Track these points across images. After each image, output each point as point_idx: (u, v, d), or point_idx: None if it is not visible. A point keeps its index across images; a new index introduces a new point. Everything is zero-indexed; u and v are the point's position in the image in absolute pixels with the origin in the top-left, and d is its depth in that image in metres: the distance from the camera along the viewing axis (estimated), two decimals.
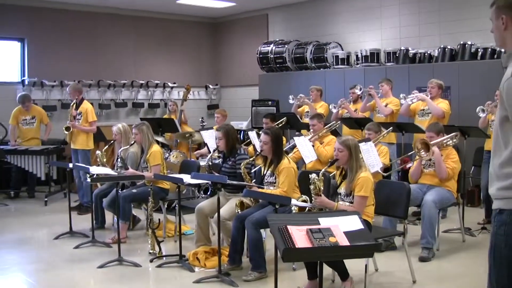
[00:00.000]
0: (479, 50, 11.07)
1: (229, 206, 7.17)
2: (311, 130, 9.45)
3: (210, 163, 7.89)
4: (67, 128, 10.50)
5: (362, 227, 3.90)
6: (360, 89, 11.07)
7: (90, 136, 10.73)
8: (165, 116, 13.44)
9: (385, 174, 8.35)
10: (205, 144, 10.65)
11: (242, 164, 7.17)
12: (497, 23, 3.32)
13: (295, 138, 9.25)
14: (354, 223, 3.92)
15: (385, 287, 6.49)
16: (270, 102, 14.45)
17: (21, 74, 14.34)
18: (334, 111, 11.18)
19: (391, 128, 9.46)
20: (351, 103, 11.26)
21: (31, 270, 7.29)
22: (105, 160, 9.04)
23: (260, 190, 6.86)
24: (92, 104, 11.05)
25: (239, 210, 6.90)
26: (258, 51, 14.96)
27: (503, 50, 3.41)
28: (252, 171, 7.49)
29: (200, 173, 8.31)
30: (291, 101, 12.06)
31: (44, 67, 14.30)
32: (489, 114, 8.89)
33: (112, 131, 9.25)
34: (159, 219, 8.28)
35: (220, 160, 7.99)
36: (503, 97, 3.12)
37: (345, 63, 13.28)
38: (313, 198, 6.16)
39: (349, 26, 14.19)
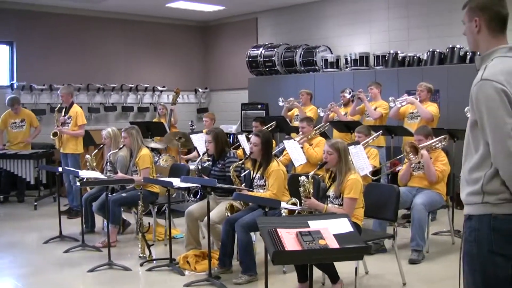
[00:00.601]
0: (467, 53, 11.12)
1: (219, 209, 7.18)
2: (300, 133, 9.45)
3: (200, 167, 7.89)
4: (54, 134, 10.48)
5: (352, 229, 3.90)
6: (350, 93, 11.08)
7: (80, 140, 10.70)
8: (155, 120, 13.44)
9: (374, 178, 8.37)
10: (195, 148, 10.65)
11: (231, 167, 7.18)
12: (470, 26, 3.28)
13: (284, 141, 9.25)
14: (343, 225, 3.92)
15: None
16: (259, 106, 14.47)
17: (10, 78, 14.31)
18: (322, 114, 11.19)
19: (381, 131, 9.48)
20: (342, 106, 11.27)
21: (20, 274, 7.28)
22: (94, 164, 9.03)
23: (249, 193, 6.88)
24: (81, 107, 11.04)
25: (229, 214, 6.89)
26: (247, 54, 14.96)
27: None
28: (242, 174, 7.49)
29: (189, 176, 8.31)
30: (280, 103, 12.08)
31: (33, 70, 14.26)
32: None
33: (102, 135, 9.25)
34: (149, 223, 8.26)
35: (210, 163, 7.99)
36: (473, 101, 3.08)
37: (335, 67, 13.28)
38: (302, 201, 6.18)
39: (338, 30, 14.22)
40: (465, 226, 3.22)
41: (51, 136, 10.56)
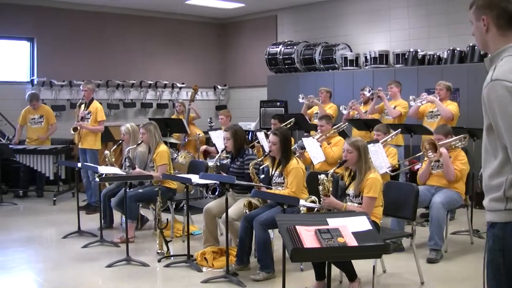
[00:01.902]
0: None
1: (237, 206, 7.17)
2: (319, 131, 9.44)
3: (218, 164, 7.89)
4: (75, 129, 10.53)
5: (371, 227, 3.89)
6: (369, 91, 11.05)
7: (98, 136, 10.77)
8: (173, 117, 13.45)
9: (392, 174, 8.32)
10: (213, 145, 10.66)
11: (250, 164, 7.17)
12: (478, 25, 3.15)
13: (303, 139, 9.24)
14: (362, 223, 3.91)
15: None
16: (278, 103, 14.48)
17: (30, 73, 14.40)
18: (345, 112, 11.18)
19: (400, 129, 9.44)
20: (362, 104, 11.25)
21: (39, 269, 7.34)
22: (113, 160, 9.06)
23: (268, 190, 6.87)
24: (101, 103, 11.09)
25: (247, 211, 6.90)
26: (266, 52, 14.97)
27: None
28: (261, 167, 7.49)
29: (208, 173, 8.32)
30: (300, 100, 12.06)
31: (53, 67, 14.35)
32: None
33: (121, 131, 9.28)
34: (167, 219, 8.29)
35: (228, 160, 7.99)
36: (485, 104, 2.98)
37: (354, 65, 13.27)
38: (321, 199, 6.16)
39: (358, 28, 14.19)
40: (488, 234, 3.08)
41: (71, 131, 10.62)
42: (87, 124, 10.58)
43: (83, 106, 10.71)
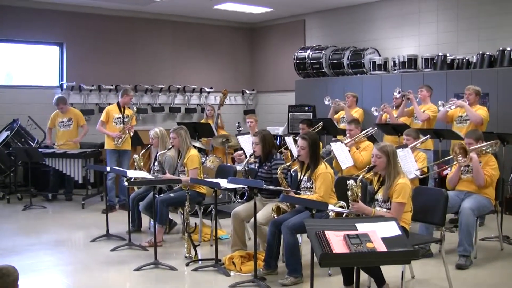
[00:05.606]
0: None
1: (265, 211, 7.17)
2: (348, 135, 9.43)
3: (246, 168, 7.88)
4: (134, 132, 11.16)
5: (400, 233, 3.87)
6: (399, 92, 10.95)
7: None
8: (202, 121, 13.49)
9: (421, 177, 8.25)
10: (241, 149, 10.66)
11: (279, 169, 7.16)
12: None
13: (332, 143, 9.22)
14: (391, 229, 3.89)
15: None
16: (306, 108, 14.43)
17: (60, 78, 14.51)
18: (375, 114, 11.11)
19: (429, 136, 9.37)
20: (394, 108, 11.15)
21: (68, 271, 7.38)
22: (142, 164, 9.10)
23: (296, 195, 6.86)
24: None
25: (275, 215, 6.89)
26: (295, 56, 14.94)
27: None
28: (291, 171, 7.47)
29: (236, 177, 8.31)
30: (326, 102, 12.03)
31: (82, 71, 14.45)
32: None
33: (149, 135, 9.32)
34: (195, 223, 8.29)
35: (256, 165, 7.99)
36: None
37: (382, 69, 13.20)
38: (350, 204, 6.13)
39: (386, 32, 14.12)
40: None
41: (130, 134, 11.12)
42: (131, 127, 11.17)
43: (120, 110, 11.17)
